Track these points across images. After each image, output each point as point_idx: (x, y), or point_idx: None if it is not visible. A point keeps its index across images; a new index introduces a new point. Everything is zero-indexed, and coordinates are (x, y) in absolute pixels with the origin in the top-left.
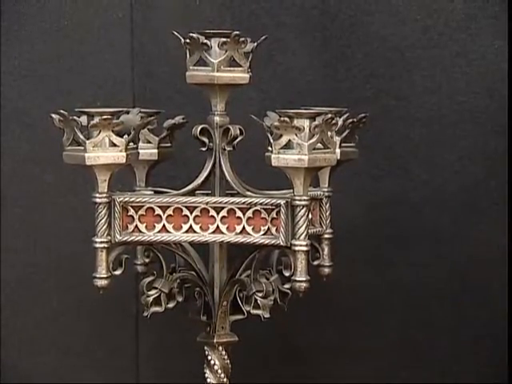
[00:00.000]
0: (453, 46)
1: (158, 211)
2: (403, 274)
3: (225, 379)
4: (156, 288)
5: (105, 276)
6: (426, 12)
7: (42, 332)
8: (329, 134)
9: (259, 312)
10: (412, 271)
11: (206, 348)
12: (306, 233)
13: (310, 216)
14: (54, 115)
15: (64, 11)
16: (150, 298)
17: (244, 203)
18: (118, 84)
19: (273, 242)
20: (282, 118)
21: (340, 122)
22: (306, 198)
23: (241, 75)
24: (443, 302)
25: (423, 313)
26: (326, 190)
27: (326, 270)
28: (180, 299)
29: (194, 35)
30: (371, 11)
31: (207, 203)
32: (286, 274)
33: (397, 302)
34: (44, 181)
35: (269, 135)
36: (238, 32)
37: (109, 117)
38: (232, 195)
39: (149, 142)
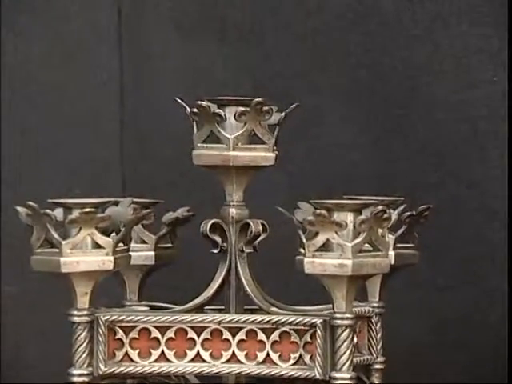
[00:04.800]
0: None
1: (156, 333)
2: None
3: None
4: None
5: None
6: (504, 72)
7: None
8: (379, 231)
9: None
10: None
11: None
12: (349, 362)
13: (355, 340)
14: (19, 208)
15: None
16: None
17: (268, 322)
18: (103, 165)
19: (306, 374)
20: (317, 211)
21: (394, 215)
22: (349, 315)
23: (264, 154)
24: None
25: None
26: (376, 305)
27: None
28: None
29: (203, 103)
30: (436, 70)
31: (220, 323)
32: None
33: None
34: (5, 294)
35: (300, 233)
36: (260, 99)
37: (91, 210)
38: (252, 312)
39: (143, 242)
